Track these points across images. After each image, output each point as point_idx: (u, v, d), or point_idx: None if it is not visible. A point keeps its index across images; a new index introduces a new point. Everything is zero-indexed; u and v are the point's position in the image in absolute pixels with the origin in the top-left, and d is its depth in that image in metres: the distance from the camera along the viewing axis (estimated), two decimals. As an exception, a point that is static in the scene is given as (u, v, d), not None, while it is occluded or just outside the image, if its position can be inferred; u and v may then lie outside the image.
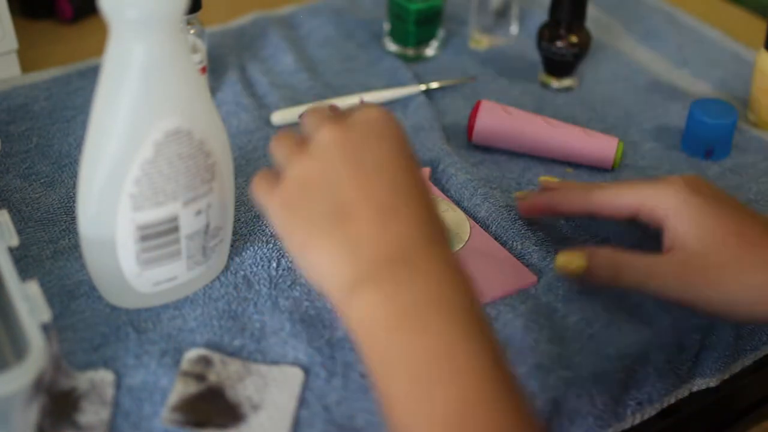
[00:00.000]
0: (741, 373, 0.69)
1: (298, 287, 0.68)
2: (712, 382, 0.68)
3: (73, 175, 0.76)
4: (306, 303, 0.66)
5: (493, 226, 0.73)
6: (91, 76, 0.85)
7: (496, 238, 0.72)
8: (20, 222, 0.72)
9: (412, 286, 0.51)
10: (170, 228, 0.62)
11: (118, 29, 0.57)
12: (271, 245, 0.71)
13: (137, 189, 0.59)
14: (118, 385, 0.60)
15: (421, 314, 0.50)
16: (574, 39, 0.89)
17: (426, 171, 0.78)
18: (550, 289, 0.68)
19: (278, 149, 0.59)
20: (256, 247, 0.70)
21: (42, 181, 0.76)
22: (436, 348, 0.50)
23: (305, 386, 0.61)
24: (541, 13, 0.99)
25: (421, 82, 0.90)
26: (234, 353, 0.63)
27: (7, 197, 0.74)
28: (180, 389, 0.60)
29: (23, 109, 0.84)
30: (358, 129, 0.56)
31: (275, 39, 0.95)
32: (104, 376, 0.60)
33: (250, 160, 0.80)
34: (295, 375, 0.61)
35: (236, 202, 0.69)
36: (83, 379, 0.60)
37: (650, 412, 0.66)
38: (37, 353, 0.52)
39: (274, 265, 0.69)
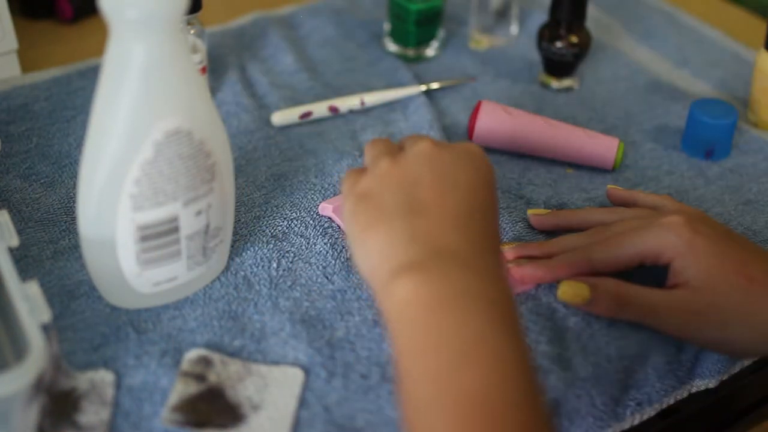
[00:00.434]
0: (740, 374, 0.69)
1: (298, 288, 0.68)
2: (712, 383, 0.68)
3: (73, 175, 0.76)
4: (306, 303, 0.66)
5: (493, 226, 0.73)
6: (91, 76, 0.85)
7: (496, 239, 0.72)
8: (20, 222, 0.72)
9: (459, 278, 0.53)
10: (170, 228, 0.62)
11: (118, 29, 0.57)
12: (272, 245, 0.71)
13: (137, 189, 0.59)
14: (118, 385, 0.60)
15: (461, 302, 0.52)
16: (574, 39, 0.88)
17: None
18: (551, 289, 0.68)
19: (372, 149, 0.62)
20: (256, 248, 0.70)
21: (42, 181, 0.76)
22: (472, 333, 0.51)
23: (305, 386, 0.61)
24: (541, 13, 0.99)
25: (421, 83, 0.90)
26: (234, 353, 0.63)
27: (7, 197, 0.74)
28: (180, 389, 0.60)
29: (23, 109, 0.84)
30: (454, 152, 0.60)
31: (275, 39, 0.95)
32: (104, 376, 0.60)
33: (250, 160, 0.80)
34: (295, 375, 0.61)
35: (236, 202, 0.69)
36: (83, 379, 0.60)
37: (650, 412, 0.66)
38: (37, 353, 0.52)
39: (274, 265, 0.69)
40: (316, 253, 0.70)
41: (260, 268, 0.69)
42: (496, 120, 0.80)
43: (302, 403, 0.60)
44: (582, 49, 0.89)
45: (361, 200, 0.58)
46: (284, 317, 0.65)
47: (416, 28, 0.92)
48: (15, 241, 0.62)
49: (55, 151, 0.79)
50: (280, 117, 0.84)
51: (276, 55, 0.93)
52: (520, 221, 0.73)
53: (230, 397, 0.59)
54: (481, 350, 0.51)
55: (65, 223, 0.72)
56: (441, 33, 0.95)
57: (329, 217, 0.74)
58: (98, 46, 0.63)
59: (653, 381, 0.65)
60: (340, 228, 0.73)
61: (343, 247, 0.71)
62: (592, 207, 0.75)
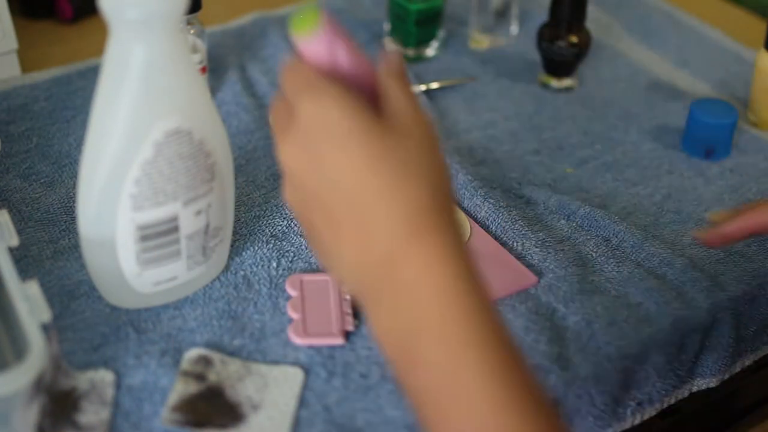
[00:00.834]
0: (741, 374, 0.69)
1: (298, 287, 0.68)
2: (712, 383, 0.68)
3: (73, 175, 0.76)
4: (306, 303, 0.66)
5: (493, 226, 0.73)
6: (91, 76, 0.85)
7: (496, 239, 0.72)
8: (20, 222, 0.72)
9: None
10: (170, 228, 0.62)
11: (118, 29, 0.57)
12: (271, 245, 0.71)
13: (137, 189, 0.59)
14: (118, 385, 0.60)
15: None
16: (574, 39, 0.88)
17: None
18: (551, 289, 0.68)
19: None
20: (256, 247, 0.70)
21: (42, 181, 0.76)
22: (440, 379, 0.48)
23: (305, 386, 0.61)
24: (541, 13, 0.99)
25: (421, 83, 0.90)
26: (234, 353, 0.63)
27: (7, 197, 0.74)
28: (180, 389, 0.60)
29: (23, 109, 0.84)
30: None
31: (275, 39, 0.95)
32: (104, 376, 0.60)
33: (250, 160, 0.80)
34: (295, 375, 0.61)
35: (236, 201, 0.69)
36: (83, 379, 0.60)
37: (650, 412, 0.66)
38: (37, 353, 0.52)
39: (274, 265, 0.69)
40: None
41: (260, 267, 0.69)
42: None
43: (302, 402, 0.60)
44: (582, 49, 0.89)
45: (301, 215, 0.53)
46: (284, 317, 0.65)
47: (416, 28, 0.92)
48: (15, 241, 0.62)
49: (55, 151, 0.79)
50: (280, 117, 0.84)
51: (276, 55, 0.93)
52: (519, 220, 0.73)
53: (230, 397, 0.59)
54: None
55: (65, 222, 0.72)
56: (441, 33, 0.95)
57: None
58: (98, 46, 0.63)
59: (654, 380, 0.65)
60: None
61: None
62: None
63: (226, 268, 0.69)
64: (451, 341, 0.48)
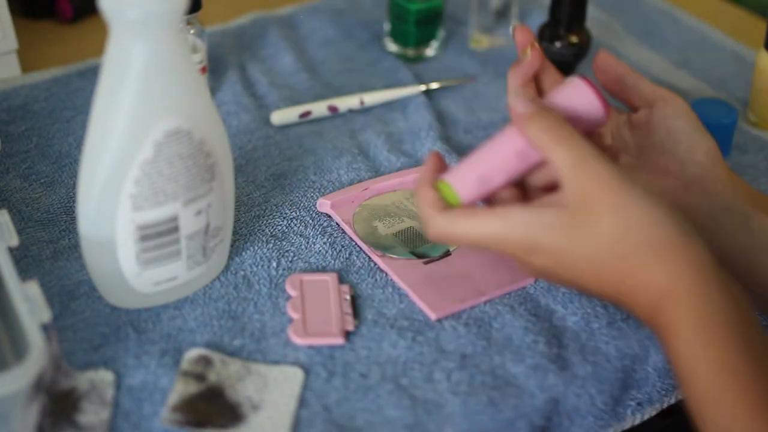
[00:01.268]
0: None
1: (298, 287, 0.68)
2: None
3: (73, 175, 0.76)
4: (306, 303, 0.66)
5: (493, 226, 0.73)
6: (91, 76, 0.85)
7: (496, 238, 0.72)
8: (20, 222, 0.72)
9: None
10: (170, 228, 0.62)
11: (118, 29, 0.57)
12: (271, 245, 0.71)
13: (137, 189, 0.59)
14: (118, 385, 0.60)
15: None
16: (574, 39, 0.88)
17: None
18: (549, 290, 0.68)
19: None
20: (256, 247, 0.70)
21: (42, 181, 0.76)
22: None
23: (305, 386, 0.61)
24: (541, 13, 0.99)
25: (421, 83, 0.90)
26: (234, 353, 0.63)
27: (7, 197, 0.74)
28: (180, 389, 0.60)
29: (23, 109, 0.84)
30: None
31: (275, 39, 0.95)
32: (104, 376, 0.60)
33: (250, 160, 0.80)
34: (295, 375, 0.61)
35: (236, 201, 0.69)
36: (83, 379, 0.60)
37: (650, 412, 0.66)
38: (37, 353, 0.52)
39: (274, 265, 0.69)
40: (315, 252, 0.70)
41: (260, 267, 0.69)
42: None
43: (302, 402, 0.60)
44: (582, 49, 0.89)
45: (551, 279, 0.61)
46: (284, 317, 0.65)
47: (416, 28, 0.92)
48: (15, 241, 0.62)
49: (55, 151, 0.79)
50: (280, 116, 0.84)
51: (276, 55, 0.93)
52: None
53: (230, 397, 0.59)
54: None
55: (65, 223, 0.72)
56: (441, 33, 0.95)
57: (328, 215, 0.74)
58: (98, 46, 0.63)
59: (654, 380, 0.65)
60: (339, 226, 0.73)
61: (342, 246, 0.71)
62: None
63: (226, 268, 0.69)
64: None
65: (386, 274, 0.69)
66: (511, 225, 0.57)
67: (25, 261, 0.68)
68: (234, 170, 0.66)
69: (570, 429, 0.62)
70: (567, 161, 0.56)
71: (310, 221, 0.73)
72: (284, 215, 0.74)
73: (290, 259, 0.70)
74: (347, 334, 0.64)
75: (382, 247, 0.70)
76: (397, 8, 0.92)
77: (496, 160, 0.59)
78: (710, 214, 0.65)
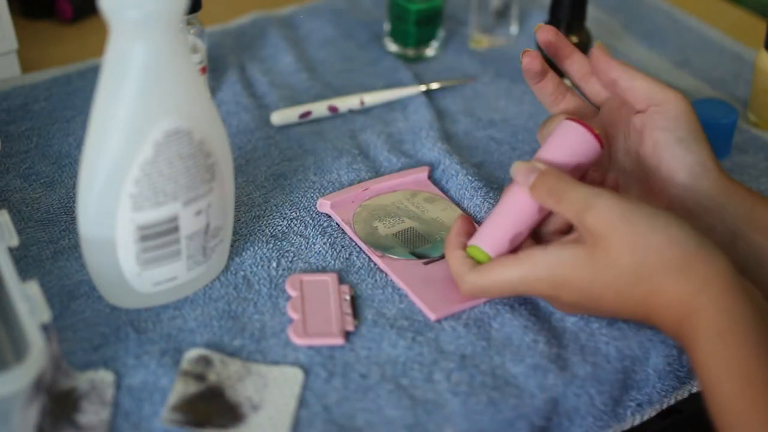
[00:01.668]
0: (741, 374, 0.69)
1: (298, 287, 0.68)
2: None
3: (73, 175, 0.76)
4: (306, 303, 0.66)
5: (493, 226, 0.73)
6: (91, 76, 0.85)
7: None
8: (20, 222, 0.72)
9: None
10: (170, 228, 0.62)
11: (118, 29, 0.57)
12: (271, 245, 0.71)
13: (137, 189, 0.59)
14: (118, 385, 0.60)
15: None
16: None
17: (425, 170, 0.78)
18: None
19: None
20: (256, 247, 0.70)
21: (42, 181, 0.76)
22: None
23: (305, 386, 0.61)
24: (541, 13, 0.99)
25: (421, 83, 0.90)
26: (234, 353, 0.63)
27: (7, 197, 0.74)
28: (180, 389, 0.60)
29: (23, 109, 0.84)
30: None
31: (275, 39, 0.95)
32: (104, 376, 0.60)
33: (250, 160, 0.80)
34: (295, 375, 0.61)
35: (236, 202, 0.69)
36: (83, 379, 0.60)
37: (650, 412, 0.66)
38: (37, 353, 0.52)
39: (274, 265, 0.69)
40: (315, 252, 0.70)
41: (260, 267, 0.69)
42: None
43: (302, 402, 0.60)
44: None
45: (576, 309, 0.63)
46: (284, 317, 0.65)
47: (416, 28, 0.92)
48: (15, 241, 0.62)
49: (55, 151, 0.79)
50: (280, 117, 0.84)
51: (276, 55, 0.93)
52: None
53: (230, 397, 0.59)
54: None
55: (65, 223, 0.72)
56: (441, 33, 0.95)
57: (328, 215, 0.74)
58: (98, 46, 0.63)
59: (654, 381, 0.65)
60: (339, 227, 0.73)
61: (342, 247, 0.71)
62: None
63: (226, 268, 0.69)
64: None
65: (386, 274, 0.69)
66: (535, 266, 0.61)
67: (25, 261, 0.68)
68: (234, 170, 0.66)
69: (570, 429, 0.62)
70: (573, 211, 0.60)
71: (311, 221, 0.73)
72: (284, 215, 0.74)
73: (290, 259, 0.70)
74: (347, 335, 0.64)
75: (382, 247, 0.70)
76: (397, 8, 0.92)
77: (520, 218, 0.64)
78: None
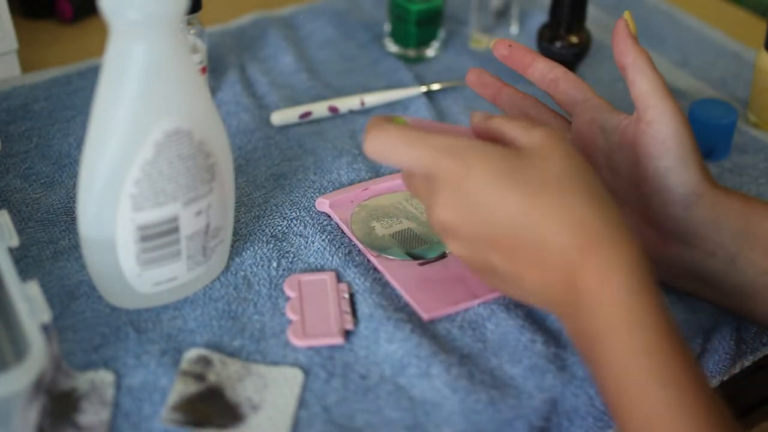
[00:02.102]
0: (740, 374, 0.69)
1: (297, 287, 0.68)
2: (712, 384, 0.68)
3: (73, 175, 0.76)
4: (306, 303, 0.66)
5: (492, 226, 0.73)
6: (91, 76, 0.85)
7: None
8: (20, 222, 0.72)
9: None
10: (170, 228, 0.62)
11: (118, 29, 0.57)
12: (271, 245, 0.71)
13: (137, 189, 0.59)
14: (118, 385, 0.60)
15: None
16: (574, 39, 0.89)
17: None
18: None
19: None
20: (256, 248, 0.70)
21: (42, 181, 0.76)
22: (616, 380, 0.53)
23: (304, 387, 0.61)
24: (541, 13, 0.99)
25: (421, 83, 0.90)
26: (234, 354, 0.63)
27: (7, 197, 0.74)
28: (179, 389, 0.60)
29: (23, 109, 0.84)
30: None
31: (275, 39, 0.95)
32: (104, 377, 0.60)
33: (250, 160, 0.80)
34: (295, 376, 0.61)
35: (236, 202, 0.70)
36: (83, 380, 0.60)
37: (650, 412, 0.66)
38: (37, 353, 0.52)
39: (274, 265, 0.69)
40: (314, 251, 0.70)
41: (260, 268, 0.69)
42: None
43: (301, 403, 0.60)
44: (582, 49, 0.89)
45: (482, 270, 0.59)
46: (284, 318, 0.65)
47: (417, 28, 0.92)
48: (15, 241, 0.62)
49: (55, 151, 0.79)
50: (280, 117, 0.84)
51: (276, 55, 0.93)
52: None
53: (230, 397, 0.60)
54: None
55: (65, 223, 0.72)
56: (441, 33, 0.95)
57: (327, 214, 0.74)
58: (98, 46, 0.63)
59: (653, 381, 0.65)
60: (338, 226, 0.73)
61: (341, 245, 0.71)
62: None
63: (226, 268, 0.69)
64: (629, 347, 0.52)
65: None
66: (455, 137, 0.56)
67: (25, 261, 0.68)
68: (234, 170, 0.66)
69: (569, 429, 0.62)
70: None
71: (311, 221, 0.73)
72: (284, 216, 0.74)
73: (290, 259, 0.70)
74: (346, 333, 0.64)
75: (378, 247, 0.70)
76: (398, 9, 0.92)
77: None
78: (695, 264, 0.63)
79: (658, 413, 0.51)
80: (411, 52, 0.94)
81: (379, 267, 0.69)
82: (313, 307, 0.65)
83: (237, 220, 0.72)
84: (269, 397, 0.60)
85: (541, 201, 0.54)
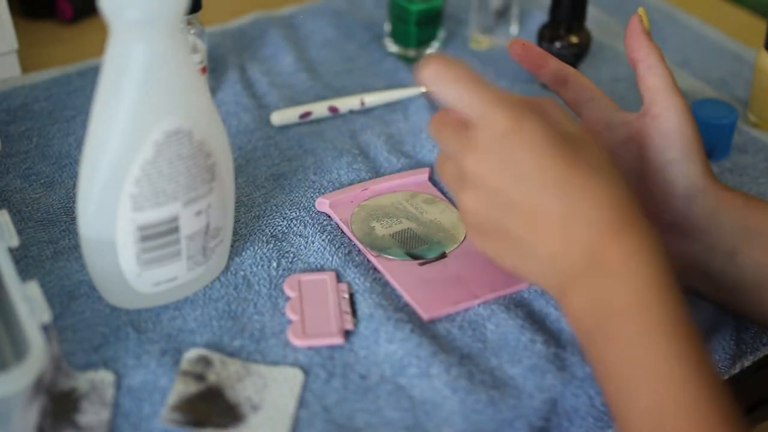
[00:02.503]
0: (740, 374, 0.69)
1: (297, 287, 0.68)
2: (712, 383, 0.68)
3: (73, 175, 0.76)
4: (306, 303, 0.66)
5: (492, 226, 0.73)
6: (91, 76, 0.85)
7: (495, 239, 0.72)
8: (20, 222, 0.72)
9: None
10: (170, 228, 0.62)
11: (118, 29, 0.57)
12: (271, 245, 0.71)
13: (137, 189, 0.59)
14: (118, 385, 0.60)
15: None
16: (574, 39, 0.89)
17: (426, 171, 0.78)
18: (544, 294, 0.68)
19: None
20: (256, 248, 0.70)
21: (42, 181, 0.76)
22: (629, 355, 0.53)
23: (304, 387, 0.61)
24: (541, 13, 0.99)
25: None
26: (233, 354, 0.63)
27: (7, 197, 0.74)
28: (179, 389, 0.60)
29: (23, 109, 0.84)
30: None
31: (275, 39, 0.95)
32: (104, 377, 0.60)
33: (250, 160, 0.80)
34: (295, 376, 0.61)
35: (236, 202, 0.70)
36: (83, 380, 0.60)
37: (650, 412, 0.66)
38: (37, 353, 0.52)
39: (274, 265, 0.69)
40: (314, 251, 0.70)
41: (260, 268, 0.69)
42: None
43: (301, 403, 0.60)
44: (582, 49, 0.89)
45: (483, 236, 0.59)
46: (284, 318, 0.65)
47: (417, 28, 0.92)
48: (15, 241, 0.62)
49: (55, 151, 0.79)
50: (280, 117, 0.84)
51: (276, 55, 0.93)
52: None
53: (229, 397, 0.60)
54: (646, 373, 0.53)
55: (65, 223, 0.72)
56: (441, 33, 0.95)
57: (327, 214, 0.74)
58: (98, 46, 0.63)
59: (653, 381, 0.65)
60: (338, 226, 0.73)
61: (341, 245, 0.71)
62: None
63: (226, 268, 0.69)
64: (645, 322, 0.53)
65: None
66: (514, 94, 0.58)
67: (25, 261, 0.68)
68: (234, 170, 0.66)
69: (570, 429, 0.62)
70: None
71: (310, 221, 0.73)
72: (284, 215, 0.74)
73: (290, 259, 0.70)
74: (346, 333, 0.64)
75: (378, 247, 0.70)
76: (398, 9, 0.92)
77: None
78: (694, 258, 0.63)
79: (673, 390, 0.51)
80: (411, 52, 0.94)
81: (379, 267, 0.69)
82: (313, 307, 0.65)
83: (237, 220, 0.72)
84: (269, 397, 0.60)
85: (580, 177, 0.55)
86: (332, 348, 0.63)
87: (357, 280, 0.68)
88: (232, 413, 0.59)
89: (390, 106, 0.88)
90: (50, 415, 0.57)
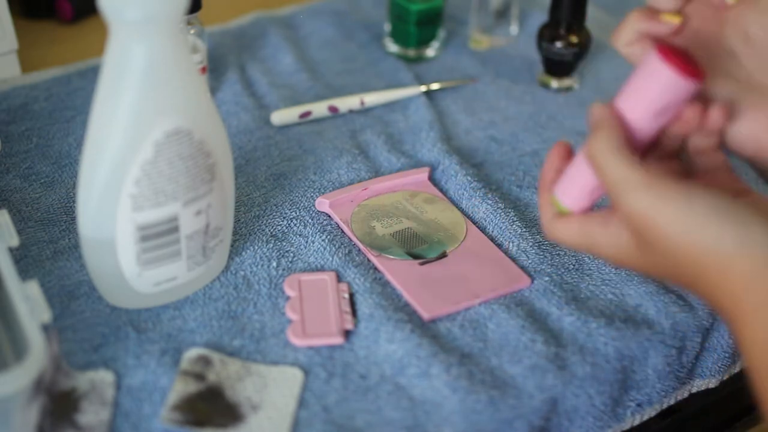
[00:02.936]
0: (740, 374, 0.69)
1: (297, 287, 0.68)
2: (712, 383, 0.68)
3: (73, 175, 0.76)
4: (306, 303, 0.66)
5: (489, 227, 0.73)
6: (91, 76, 0.85)
7: (492, 239, 0.72)
8: (20, 222, 0.72)
9: None
10: (170, 228, 0.62)
11: (118, 30, 0.57)
12: (271, 245, 0.71)
13: (137, 189, 0.59)
14: (118, 385, 0.60)
15: None
16: (574, 39, 0.89)
17: (426, 171, 0.78)
18: (545, 293, 0.68)
19: None
20: (256, 247, 0.70)
21: (42, 181, 0.76)
22: None
23: (304, 387, 0.61)
24: (541, 13, 0.99)
25: (421, 83, 0.90)
26: (233, 353, 0.63)
27: (7, 197, 0.74)
28: (179, 388, 0.60)
29: (23, 109, 0.84)
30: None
31: (275, 39, 0.95)
32: (104, 377, 0.60)
33: (250, 160, 0.80)
34: (295, 375, 0.61)
35: (236, 202, 0.70)
36: (83, 380, 0.60)
37: (650, 412, 0.66)
38: (37, 353, 0.52)
39: (274, 265, 0.69)
40: (314, 251, 0.70)
41: (260, 267, 0.69)
42: None
43: (301, 403, 0.60)
44: (582, 49, 0.89)
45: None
46: (284, 317, 0.65)
47: (417, 28, 0.92)
48: (15, 241, 0.62)
49: (55, 151, 0.79)
50: (280, 117, 0.84)
51: (276, 55, 0.93)
52: (517, 221, 0.73)
53: (229, 397, 0.60)
54: None
55: (65, 223, 0.72)
56: (441, 33, 0.95)
57: (327, 214, 0.74)
58: (98, 46, 0.63)
59: (653, 382, 0.65)
60: (338, 226, 0.73)
61: (341, 245, 0.71)
62: None
63: (226, 268, 0.69)
64: None
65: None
66: (594, 244, 0.57)
67: (25, 261, 0.68)
68: (234, 170, 0.66)
69: (570, 429, 0.62)
70: (609, 191, 0.55)
71: (310, 221, 0.73)
72: (284, 215, 0.74)
73: (290, 259, 0.70)
74: (346, 333, 0.64)
75: (379, 247, 0.70)
76: (398, 9, 0.92)
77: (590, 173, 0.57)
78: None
79: None
80: (411, 52, 0.94)
81: (380, 267, 0.69)
82: (313, 306, 0.65)
83: (237, 220, 0.72)
84: (269, 397, 0.60)
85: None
86: (332, 348, 0.63)
87: (357, 280, 0.68)
88: (232, 413, 0.59)
89: (390, 105, 0.88)
90: (50, 415, 0.57)
